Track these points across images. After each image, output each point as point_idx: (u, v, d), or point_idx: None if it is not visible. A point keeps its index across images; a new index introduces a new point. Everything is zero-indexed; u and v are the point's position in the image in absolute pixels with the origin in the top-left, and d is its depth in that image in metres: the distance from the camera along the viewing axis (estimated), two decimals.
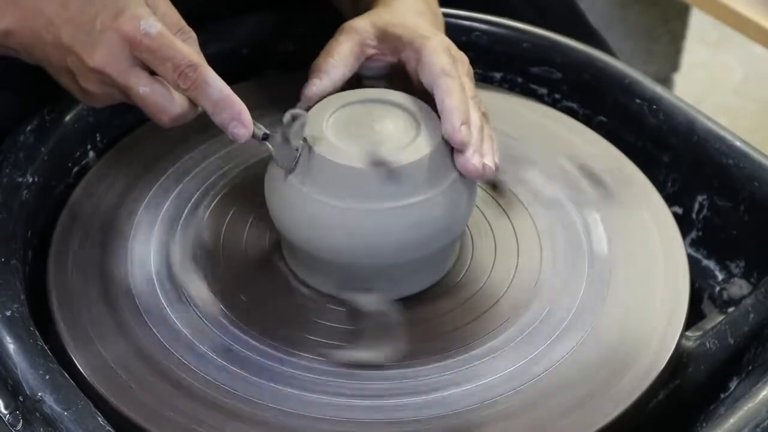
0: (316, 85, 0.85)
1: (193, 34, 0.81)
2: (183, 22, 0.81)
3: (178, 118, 0.80)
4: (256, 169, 0.89)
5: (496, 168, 0.81)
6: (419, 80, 0.83)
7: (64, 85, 0.82)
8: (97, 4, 0.79)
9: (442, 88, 0.81)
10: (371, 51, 0.87)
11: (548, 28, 1.02)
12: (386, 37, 0.86)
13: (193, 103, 0.80)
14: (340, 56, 0.86)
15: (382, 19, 0.88)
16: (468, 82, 0.83)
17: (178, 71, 0.77)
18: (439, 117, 0.80)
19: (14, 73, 0.88)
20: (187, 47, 0.79)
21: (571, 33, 1.02)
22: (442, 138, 0.79)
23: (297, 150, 0.79)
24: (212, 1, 1.03)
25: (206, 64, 0.79)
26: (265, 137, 0.80)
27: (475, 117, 0.81)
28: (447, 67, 0.82)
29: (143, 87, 0.78)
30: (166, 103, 0.79)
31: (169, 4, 0.81)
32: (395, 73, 0.87)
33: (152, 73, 0.79)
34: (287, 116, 0.79)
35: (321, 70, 0.85)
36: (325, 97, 0.83)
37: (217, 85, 0.78)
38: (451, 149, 0.80)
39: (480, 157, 0.79)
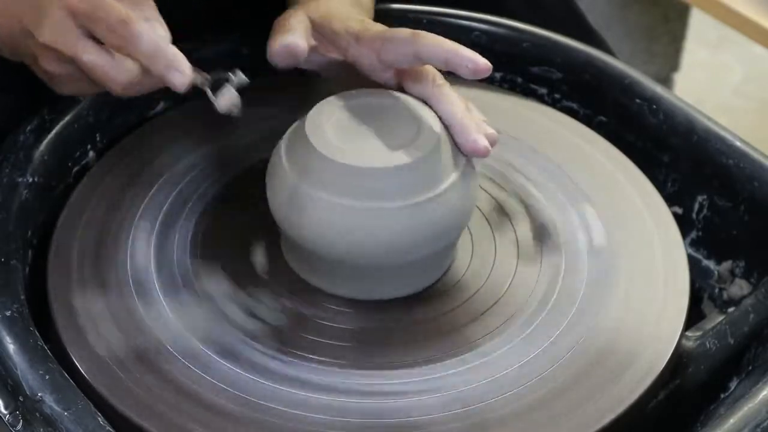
0: (288, 37, 0.84)
1: (148, 1, 0.81)
2: None
3: (130, 87, 0.79)
4: (257, 167, 0.89)
5: (496, 140, 0.82)
6: (382, 75, 0.84)
7: (36, 72, 0.82)
8: None
9: (440, 100, 0.81)
10: (314, 42, 0.87)
11: (545, 26, 1.02)
12: (323, 32, 0.86)
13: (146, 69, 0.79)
14: (300, 23, 0.86)
15: (312, 15, 0.88)
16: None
17: (109, 29, 0.77)
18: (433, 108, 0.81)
19: (14, 74, 0.88)
20: (119, 6, 0.78)
21: (569, 31, 1.02)
22: (442, 138, 0.79)
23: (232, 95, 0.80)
24: (213, 1, 1.03)
25: (138, 19, 0.78)
26: (207, 83, 0.80)
27: (475, 111, 0.82)
28: (434, 74, 0.82)
29: (87, 55, 0.78)
30: (112, 70, 0.78)
31: None
32: (343, 71, 0.87)
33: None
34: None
35: (287, 27, 0.85)
36: (293, 53, 0.84)
37: (148, 36, 0.77)
38: (451, 144, 0.80)
39: (482, 135, 0.80)
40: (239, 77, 0.81)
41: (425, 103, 0.82)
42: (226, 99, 0.81)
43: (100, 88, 0.81)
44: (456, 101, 0.81)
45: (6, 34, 0.82)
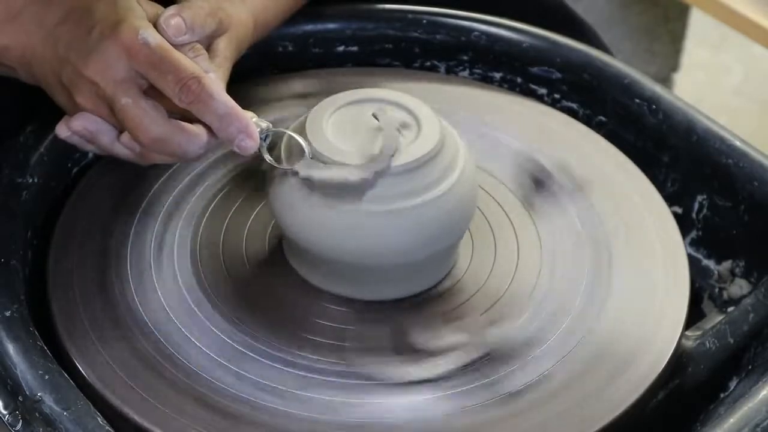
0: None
1: (204, 52, 0.79)
2: (195, 43, 0.79)
3: (158, 142, 0.77)
4: (258, 166, 0.89)
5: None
6: None
7: (59, 102, 0.80)
8: (96, 15, 0.77)
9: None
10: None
11: (533, 18, 1.02)
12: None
13: (180, 131, 0.77)
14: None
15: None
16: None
17: (180, 84, 0.75)
18: None
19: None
20: (189, 60, 0.77)
21: (558, 25, 1.02)
22: (442, 138, 0.80)
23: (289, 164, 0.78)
24: None
25: (210, 77, 0.77)
26: (266, 140, 0.79)
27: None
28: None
29: (126, 98, 0.76)
30: (146, 119, 0.76)
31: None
32: None
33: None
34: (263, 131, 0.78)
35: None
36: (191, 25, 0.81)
37: (221, 98, 0.76)
38: (451, 144, 0.80)
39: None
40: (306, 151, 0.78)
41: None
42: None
43: (114, 147, 0.79)
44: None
45: (33, 55, 0.79)
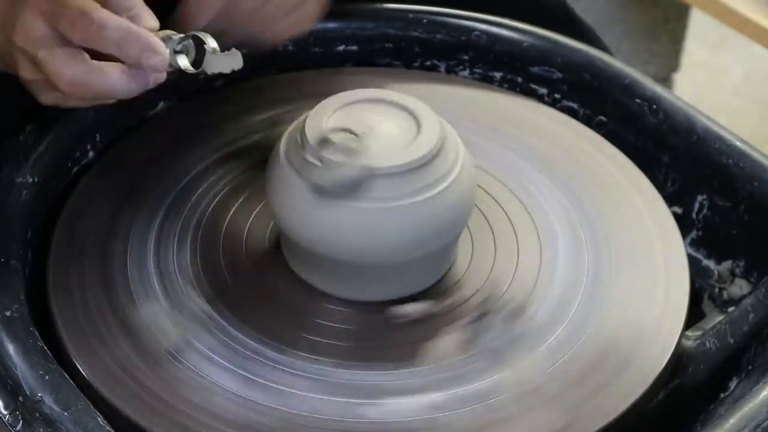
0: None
1: None
2: None
3: (76, 85, 0.75)
4: (257, 166, 0.89)
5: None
6: None
7: (26, 86, 0.80)
8: None
9: None
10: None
11: (532, 18, 1.02)
12: None
13: (93, 69, 0.75)
14: None
15: None
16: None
17: (70, 23, 0.74)
18: None
19: (14, 75, 0.88)
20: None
21: (558, 25, 1.02)
22: (442, 138, 0.80)
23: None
24: None
25: (99, 7, 0.75)
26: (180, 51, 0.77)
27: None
28: None
29: (42, 50, 0.75)
30: (59, 64, 0.75)
31: None
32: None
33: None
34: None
35: None
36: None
37: (113, 24, 0.74)
38: (450, 143, 0.80)
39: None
40: (210, 42, 0.77)
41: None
42: (223, 59, 0.77)
43: (73, 100, 0.79)
44: None
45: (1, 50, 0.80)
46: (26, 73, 0.78)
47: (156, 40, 0.76)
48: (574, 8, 1.14)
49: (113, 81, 0.76)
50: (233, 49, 0.78)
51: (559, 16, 1.10)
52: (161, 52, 0.76)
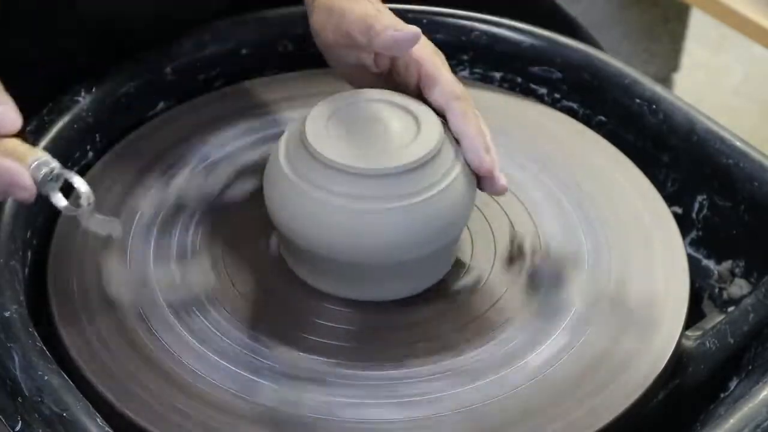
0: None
1: None
2: None
3: None
4: (257, 167, 0.89)
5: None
6: (416, 88, 0.83)
7: None
8: None
9: (456, 114, 0.81)
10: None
11: (528, 21, 1.02)
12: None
13: None
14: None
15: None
16: (467, 93, 0.83)
17: None
18: (444, 121, 0.81)
19: (13, 75, 0.88)
20: None
21: (553, 28, 1.02)
22: (442, 138, 0.79)
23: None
24: (213, 1, 1.03)
25: None
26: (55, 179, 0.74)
27: (488, 134, 0.82)
28: (455, 89, 0.82)
29: None
30: None
31: None
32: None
33: None
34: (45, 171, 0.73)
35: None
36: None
37: None
38: (450, 144, 0.80)
39: (502, 174, 0.81)
40: (84, 195, 0.74)
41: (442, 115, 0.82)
42: (101, 223, 0.76)
43: None
44: (471, 120, 0.81)
45: None
46: None
47: (23, 176, 0.72)
48: (575, 9, 1.14)
49: None
50: (113, 218, 0.77)
51: (555, 19, 1.10)
52: (28, 188, 0.72)
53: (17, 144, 0.74)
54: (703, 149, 0.93)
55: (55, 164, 0.73)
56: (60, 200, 0.74)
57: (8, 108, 0.74)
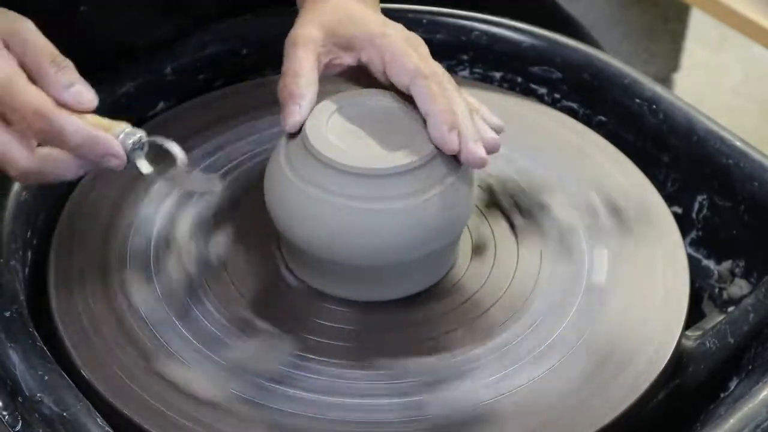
0: (299, 113, 0.80)
1: (69, 63, 0.76)
2: (56, 52, 0.76)
3: (29, 174, 0.75)
4: (256, 167, 0.89)
5: (497, 147, 0.80)
6: (390, 81, 0.82)
7: None
8: None
9: (420, 93, 0.79)
10: (327, 59, 0.84)
11: (528, 21, 1.02)
12: (338, 40, 0.84)
13: (47, 161, 0.74)
14: (307, 75, 0.82)
15: (326, 19, 0.84)
16: (439, 72, 0.81)
17: (26, 122, 0.73)
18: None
19: None
20: (34, 93, 0.73)
21: (554, 28, 1.02)
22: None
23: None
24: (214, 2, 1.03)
25: (56, 108, 0.73)
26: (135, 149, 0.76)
27: (460, 108, 0.79)
28: (419, 66, 0.80)
29: None
30: (11, 153, 0.74)
31: (38, 32, 0.76)
32: (357, 74, 0.85)
33: None
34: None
35: (297, 95, 0.81)
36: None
37: (72, 128, 0.73)
38: None
39: (480, 144, 0.78)
40: (180, 158, 0.77)
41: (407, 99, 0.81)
42: (198, 181, 0.78)
43: (20, 179, 0.77)
44: (437, 98, 0.79)
45: None
46: None
47: (115, 145, 0.75)
48: (574, 9, 1.14)
49: (65, 170, 0.76)
50: (211, 174, 0.78)
51: (556, 19, 1.10)
52: (120, 156, 0.75)
53: (98, 118, 0.76)
54: (703, 149, 0.93)
55: (141, 133, 0.76)
56: (146, 166, 0.77)
57: (85, 86, 0.75)
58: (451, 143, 0.78)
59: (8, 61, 0.74)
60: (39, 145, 0.75)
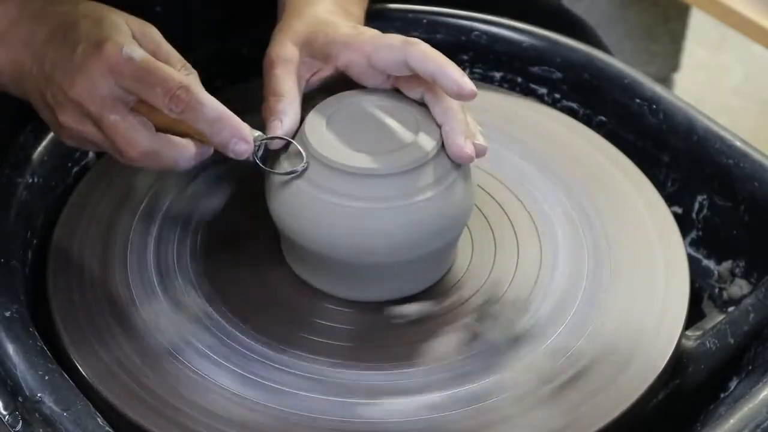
0: (281, 128, 0.81)
1: (195, 71, 0.79)
2: (184, 60, 0.79)
3: (148, 155, 0.76)
4: (258, 167, 0.89)
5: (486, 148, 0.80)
6: (375, 75, 0.82)
7: (45, 118, 0.79)
8: (80, 33, 0.76)
9: (415, 57, 0.79)
10: (308, 74, 0.84)
11: (532, 21, 1.02)
12: (315, 53, 0.84)
13: (169, 144, 0.77)
14: (289, 94, 0.82)
15: (301, 34, 0.85)
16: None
17: (170, 94, 0.75)
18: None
19: None
20: (175, 71, 0.76)
21: (558, 27, 1.02)
22: (441, 139, 0.79)
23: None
24: (212, 1, 1.03)
25: (199, 83, 0.77)
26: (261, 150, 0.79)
27: (456, 104, 0.80)
28: (404, 39, 0.80)
29: (114, 115, 0.75)
30: (136, 134, 0.76)
31: (166, 43, 0.79)
32: (333, 83, 0.85)
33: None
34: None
35: (279, 111, 0.81)
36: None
37: (212, 104, 0.76)
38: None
39: (470, 140, 0.79)
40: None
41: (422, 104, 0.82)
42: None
43: (129, 161, 0.78)
44: (451, 103, 0.80)
45: (22, 71, 0.79)
46: (71, 122, 0.77)
47: (246, 128, 0.77)
48: (575, 9, 1.14)
49: (183, 156, 0.78)
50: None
51: (560, 19, 1.10)
52: (250, 141, 0.77)
53: None
54: (703, 149, 0.93)
55: (258, 133, 0.79)
56: (261, 164, 0.79)
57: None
58: (468, 149, 0.79)
59: (143, 48, 0.77)
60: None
